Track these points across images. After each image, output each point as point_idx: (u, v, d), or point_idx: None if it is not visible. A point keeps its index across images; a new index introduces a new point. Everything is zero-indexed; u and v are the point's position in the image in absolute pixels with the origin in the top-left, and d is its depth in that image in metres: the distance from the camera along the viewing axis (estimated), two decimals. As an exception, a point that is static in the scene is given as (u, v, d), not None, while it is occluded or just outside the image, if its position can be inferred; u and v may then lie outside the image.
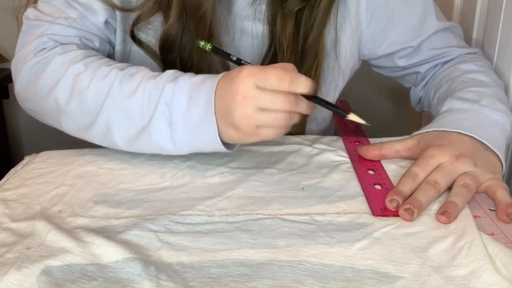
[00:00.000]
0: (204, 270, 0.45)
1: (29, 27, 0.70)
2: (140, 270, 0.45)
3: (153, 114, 0.59)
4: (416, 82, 0.84)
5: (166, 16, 0.68)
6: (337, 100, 0.84)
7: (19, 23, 0.73)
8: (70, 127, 0.65)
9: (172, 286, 0.43)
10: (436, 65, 0.80)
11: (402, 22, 0.77)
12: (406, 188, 0.56)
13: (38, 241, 0.49)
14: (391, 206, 0.54)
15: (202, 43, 0.58)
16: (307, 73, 0.72)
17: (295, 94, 0.54)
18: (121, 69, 0.62)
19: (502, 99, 0.69)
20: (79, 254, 0.47)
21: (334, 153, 0.67)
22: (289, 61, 0.71)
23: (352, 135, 0.72)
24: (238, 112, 0.54)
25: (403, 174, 0.58)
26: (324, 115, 0.82)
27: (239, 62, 0.60)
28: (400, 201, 0.54)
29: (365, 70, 0.86)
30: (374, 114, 1.39)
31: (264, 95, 0.54)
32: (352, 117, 0.56)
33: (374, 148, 0.65)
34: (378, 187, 0.58)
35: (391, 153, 0.64)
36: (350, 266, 0.46)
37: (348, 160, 0.65)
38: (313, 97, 0.56)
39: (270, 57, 0.72)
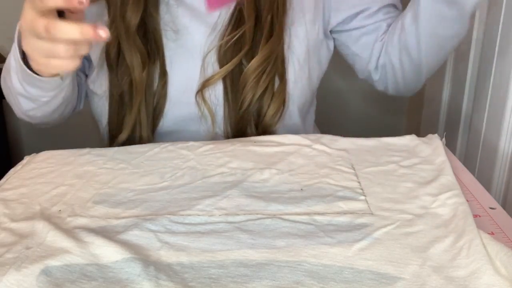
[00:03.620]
0: (203, 271, 0.45)
1: None
2: (139, 270, 0.45)
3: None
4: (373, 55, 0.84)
5: None
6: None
7: None
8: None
9: (172, 286, 0.43)
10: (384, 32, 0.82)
11: None
12: None
13: (38, 241, 0.49)
14: None
15: None
16: None
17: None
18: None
19: None
20: (79, 254, 0.47)
21: (334, 153, 0.67)
22: None
23: None
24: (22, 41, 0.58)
25: None
26: (305, 94, 0.82)
27: None
28: None
29: (361, 80, 0.86)
30: (371, 123, 1.40)
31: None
32: None
33: None
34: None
35: None
36: (350, 267, 0.46)
37: (348, 160, 0.65)
38: None
39: None
